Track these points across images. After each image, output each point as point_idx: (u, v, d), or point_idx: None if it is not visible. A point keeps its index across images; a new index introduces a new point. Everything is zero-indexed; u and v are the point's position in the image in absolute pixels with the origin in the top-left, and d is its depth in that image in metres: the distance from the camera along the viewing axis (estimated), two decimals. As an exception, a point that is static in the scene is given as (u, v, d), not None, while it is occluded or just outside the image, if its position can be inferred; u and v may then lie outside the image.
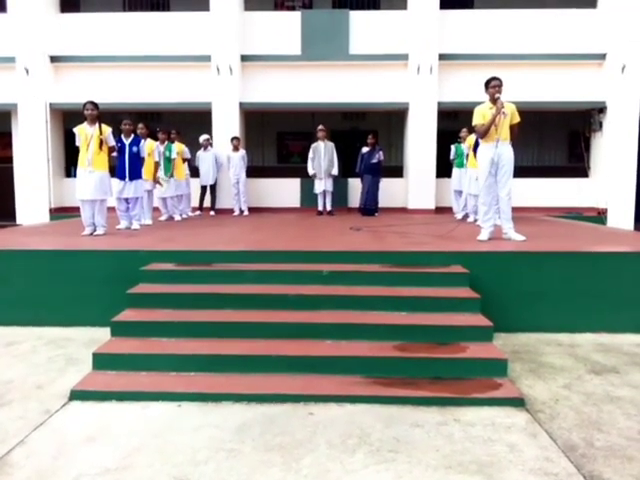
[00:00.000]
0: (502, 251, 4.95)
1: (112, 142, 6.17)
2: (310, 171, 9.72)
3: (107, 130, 6.09)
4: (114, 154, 6.54)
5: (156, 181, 7.69)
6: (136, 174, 6.87)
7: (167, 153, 8.49)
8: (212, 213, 10.23)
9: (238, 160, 9.93)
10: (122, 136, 6.89)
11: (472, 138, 7.95)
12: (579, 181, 11.21)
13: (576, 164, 11.96)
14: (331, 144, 9.65)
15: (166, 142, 8.59)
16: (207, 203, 10.37)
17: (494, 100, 5.40)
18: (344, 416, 3.02)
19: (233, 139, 9.94)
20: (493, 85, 5.38)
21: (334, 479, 2.38)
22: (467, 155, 8.30)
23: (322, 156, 9.58)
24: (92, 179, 6.00)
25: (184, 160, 9.42)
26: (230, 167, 10.00)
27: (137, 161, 6.89)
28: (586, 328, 4.62)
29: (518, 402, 3.15)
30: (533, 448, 2.65)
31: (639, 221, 10.66)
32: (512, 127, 5.46)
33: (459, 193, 9.17)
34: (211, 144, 10.19)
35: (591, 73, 10.66)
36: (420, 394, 3.23)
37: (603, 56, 10.54)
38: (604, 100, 10.63)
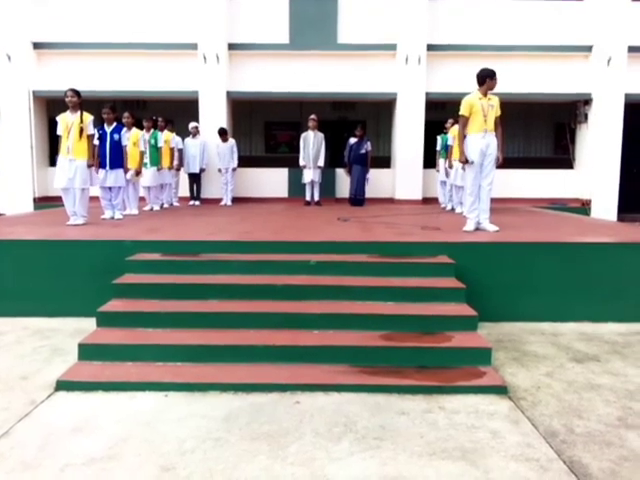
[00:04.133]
0: (487, 242, 5.00)
1: (91, 130, 6.05)
2: (301, 162, 9.70)
3: (88, 118, 6.00)
4: (95, 142, 6.45)
5: (138, 172, 7.57)
6: (117, 163, 6.77)
7: (152, 141, 8.40)
8: (197, 203, 10.14)
9: (227, 150, 9.86)
10: (104, 124, 6.79)
11: (456, 129, 7.95)
12: (564, 172, 11.34)
13: (561, 156, 12.08)
14: (321, 135, 9.62)
15: (152, 130, 8.50)
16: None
17: (485, 91, 5.46)
18: (330, 405, 3.05)
19: (220, 133, 9.82)
20: (495, 78, 5.43)
21: (320, 467, 2.41)
22: (451, 146, 8.29)
23: (311, 146, 9.55)
24: (72, 168, 5.92)
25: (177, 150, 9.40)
26: (219, 157, 9.94)
27: (118, 150, 6.78)
28: (569, 317, 4.70)
29: (501, 390, 3.21)
30: (515, 434, 2.70)
31: (622, 212, 10.81)
32: (495, 119, 5.54)
33: (445, 184, 9.22)
34: (199, 132, 10.10)
35: (577, 65, 10.74)
36: (406, 383, 3.27)
37: (589, 48, 10.61)
38: (590, 92, 10.72)
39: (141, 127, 8.06)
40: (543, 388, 3.29)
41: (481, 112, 5.42)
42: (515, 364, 3.70)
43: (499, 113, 5.57)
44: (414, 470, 2.38)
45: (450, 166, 8.29)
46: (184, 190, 10.22)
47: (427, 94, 10.61)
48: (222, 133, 9.79)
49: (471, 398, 3.14)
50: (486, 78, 5.46)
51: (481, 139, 5.44)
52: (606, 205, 10.70)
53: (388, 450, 2.55)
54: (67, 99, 5.89)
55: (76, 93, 5.93)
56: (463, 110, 5.52)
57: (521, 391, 3.25)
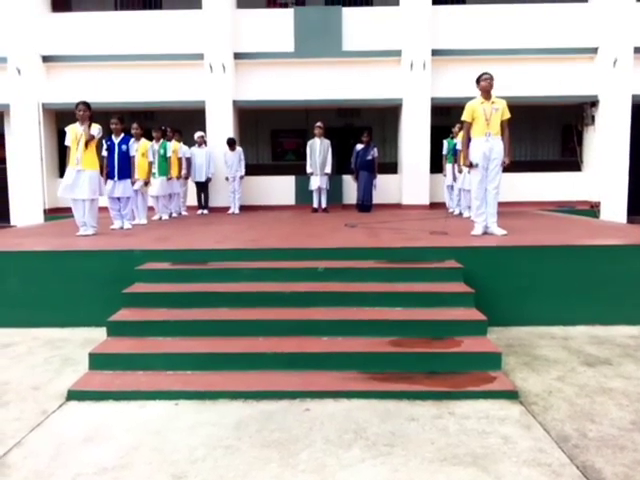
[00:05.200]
0: (496, 246, 4.99)
1: (93, 132, 6.01)
2: (308, 169, 9.74)
3: (95, 126, 6.05)
4: (104, 153, 6.51)
5: (147, 182, 7.64)
6: (125, 173, 6.83)
7: (162, 151, 8.47)
8: (205, 212, 10.19)
9: (235, 158, 9.92)
10: (112, 135, 6.86)
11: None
12: (572, 175, 11.27)
13: (569, 158, 12.02)
14: (327, 142, 9.66)
15: (161, 140, 8.57)
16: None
17: (486, 94, 5.48)
18: (340, 411, 3.04)
19: (229, 142, 9.89)
20: (484, 78, 5.48)
21: (330, 474, 2.41)
22: (460, 151, 8.28)
23: (318, 153, 9.59)
24: (81, 178, 5.97)
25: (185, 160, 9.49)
26: (227, 165, 10.00)
27: (126, 160, 6.84)
28: (579, 321, 4.67)
29: (512, 395, 3.19)
30: (527, 440, 2.68)
31: (631, 214, 10.71)
32: (502, 123, 5.53)
33: (452, 188, 9.22)
34: (205, 141, 10.18)
35: (583, 67, 10.70)
36: (416, 388, 3.26)
37: (595, 50, 10.58)
38: (596, 94, 10.67)
39: (149, 138, 8.12)
40: (554, 392, 3.27)
41: (483, 116, 5.45)
42: (526, 369, 3.67)
43: (507, 116, 5.56)
44: (425, 476, 2.37)
45: (460, 170, 8.29)
46: (192, 199, 10.28)
47: (432, 99, 10.62)
48: (231, 143, 9.87)
49: (481, 403, 3.12)
50: (476, 83, 5.58)
51: (484, 143, 5.46)
52: (615, 207, 10.61)
53: (399, 456, 2.54)
54: (80, 113, 5.93)
55: (88, 107, 5.99)
56: (465, 116, 5.57)
57: (532, 396, 3.22)
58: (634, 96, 10.45)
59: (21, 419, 3.01)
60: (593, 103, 10.77)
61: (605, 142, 10.63)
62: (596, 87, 10.66)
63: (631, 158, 10.61)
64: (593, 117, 10.85)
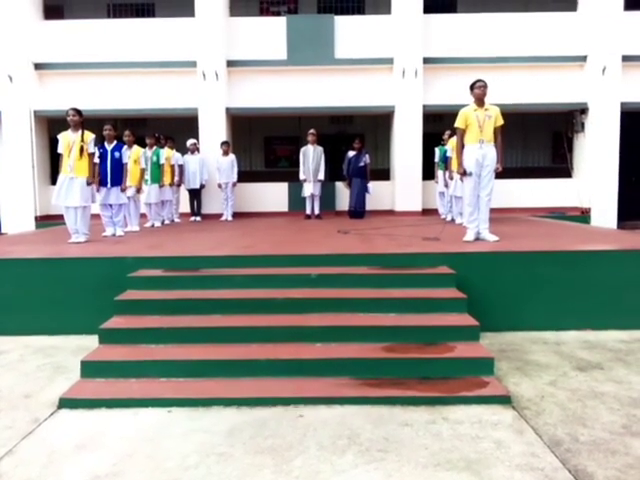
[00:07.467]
0: (487, 252, 5.01)
1: (92, 149, 6.07)
2: (301, 176, 9.77)
3: (89, 136, 6.05)
4: (96, 160, 6.51)
5: (138, 189, 7.64)
6: (118, 180, 6.82)
7: (154, 158, 8.46)
8: (198, 218, 10.17)
9: (227, 165, 9.93)
10: (105, 142, 6.86)
11: (455, 140, 8.01)
12: (563, 181, 11.38)
13: (560, 164, 12.13)
14: (320, 149, 9.70)
15: (154, 147, 8.57)
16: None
17: (480, 102, 5.52)
18: (334, 417, 3.05)
19: (222, 144, 9.94)
20: (479, 86, 5.52)
21: (324, 480, 2.41)
22: (451, 158, 8.35)
23: (311, 160, 9.63)
24: (73, 185, 5.95)
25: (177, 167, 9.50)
26: (219, 172, 10.00)
27: (119, 167, 6.83)
28: (571, 326, 4.70)
29: (505, 400, 3.20)
30: (519, 444, 2.69)
31: (622, 220, 10.82)
32: (495, 130, 5.58)
33: (444, 195, 9.28)
34: (198, 149, 10.19)
35: (573, 75, 10.84)
36: (409, 394, 3.27)
37: (584, 58, 10.72)
38: (586, 101, 10.81)
39: (142, 145, 8.11)
40: (547, 397, 3.29)
41: (476, 123, 5.49)
42: (518, 373, 3.69)
43: (500, 123, 5.61)
44: (419, 482, 2.37)
45: (450, 177, 8.35)
46: (185, 206, 10.27)
47: (424, 106, 10.71)
48: (225, 144, 9.88)
49: (474, 408, 3.14)
50: (470, 90, 5.63)
51: (477, 150, 5.50)
52: (606, 213, 10.72)
53: (392, 462, 2.54)
54: (69, 118, 5.94)
55: (78, 112, 5.99)
56: (458, 122, 5.61)
57: (525, 400, 3.24)
58: (623, 103, 10.59)
59: (12, 427, 2.98)
60: (583, 110, 10.91)
61: (595, 149, 10.75)
62: (585, 95, 10.80)
63: (620, 164, 10.74)
64: (583, 124, 10.98)
